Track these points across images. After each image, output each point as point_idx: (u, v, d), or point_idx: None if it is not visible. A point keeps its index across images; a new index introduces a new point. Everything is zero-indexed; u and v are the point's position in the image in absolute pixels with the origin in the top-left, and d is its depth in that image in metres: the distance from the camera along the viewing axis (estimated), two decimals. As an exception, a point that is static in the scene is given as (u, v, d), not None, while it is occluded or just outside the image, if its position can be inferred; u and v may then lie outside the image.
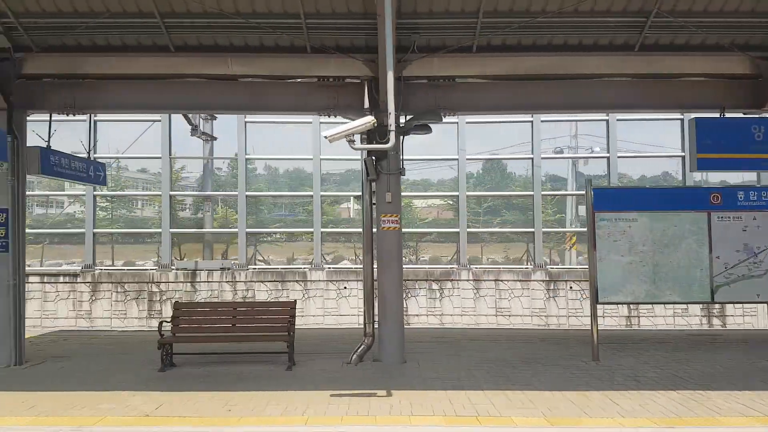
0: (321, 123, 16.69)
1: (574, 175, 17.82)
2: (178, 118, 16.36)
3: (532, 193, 16.73)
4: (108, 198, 17.11)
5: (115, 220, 17.26)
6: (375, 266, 9.48)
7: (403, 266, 16.09)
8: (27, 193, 15.95)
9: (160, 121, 16.57)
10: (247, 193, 16.82)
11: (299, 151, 16.95)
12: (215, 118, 17.19)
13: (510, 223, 17.33)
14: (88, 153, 11.23)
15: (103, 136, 15.95)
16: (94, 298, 16.22)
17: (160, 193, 16.75)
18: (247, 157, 16.96)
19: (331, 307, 16.37)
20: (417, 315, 16.25)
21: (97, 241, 16.72)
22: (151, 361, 8.96)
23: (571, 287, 16.39)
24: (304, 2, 8.01)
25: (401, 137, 9.08)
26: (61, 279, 16.42)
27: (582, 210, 17.40)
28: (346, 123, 7.80)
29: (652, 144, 16.99)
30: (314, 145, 16.60)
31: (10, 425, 6.00)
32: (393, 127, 6.30)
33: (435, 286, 16.46)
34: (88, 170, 10.94)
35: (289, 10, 8.20)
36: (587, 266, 16.23)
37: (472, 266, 16.63)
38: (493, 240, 17.58)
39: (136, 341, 11.45)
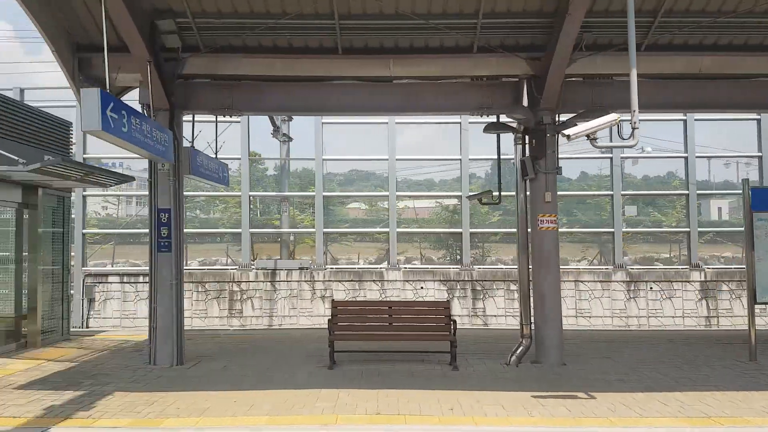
0: (396, 123, 16.78)
1: (621, 176, 17.74)
2: (255, 119, 16.47)
3: (611, 192, 16.67)
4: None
5: (189, 220, 17.31)
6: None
7: (478, 267, 16.26)
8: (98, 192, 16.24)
9: (239, 122, 16.62)
10: (324, 193, 16.86)
11: (373, 152, 16.99)
12: (292, 119, 17.26)
13: (581, 222, 17.28)
14: (215, 153, 11.29)
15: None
16: None
17: (239, 193, 16.79)
18: (324, 158, 16.97)
19: (407, 307, 16.33)
20: (495, 316, 16.22)
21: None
22: (304, 357, 9.17)
23: (651, 288, 16.34)
24: (483, 2, 8.01)
25: (556, 135, 9.06)
26: (141, 279, 16.49)
27: (630, 210, 17.38)
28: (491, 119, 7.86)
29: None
30: (390, 146, 16.65)
31: (251, 425, 6.00)
32: (638, 125, 6.27)
33: (513, 287, 16.40)
34: (218, 171, 11.02)
35: (465, 10, 8.21)
36: (654, 267, 16.32)
37: None
38: (562, 240, 17.49)
39: (256, 339, 11.48)
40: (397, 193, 17.00)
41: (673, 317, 16.21)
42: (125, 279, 16.51)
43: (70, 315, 11.46)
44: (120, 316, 16.36)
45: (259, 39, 8.72)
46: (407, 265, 16.90)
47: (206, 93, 9.30)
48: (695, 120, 16.75)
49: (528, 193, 9.15)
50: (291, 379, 7.94)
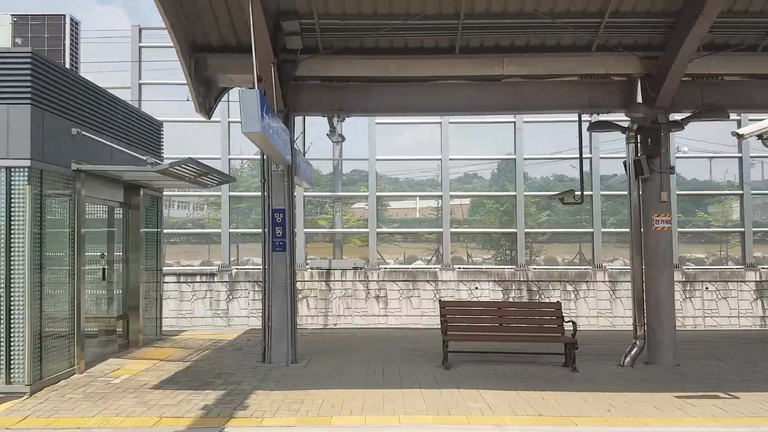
0: (450, 123, 16.76)
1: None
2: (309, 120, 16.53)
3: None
4: (235, 198, 17.11)
5: (232, 220, 17.38)
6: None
7: (534, 267, 16.25)
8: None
9: None
10: (378, 193, 16.89)
11: (425, 152, 16.96)
12: (344, 119, 17.24)
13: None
14: (303, 153, 11.32)
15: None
16: (231, 297, 16.32)
17: (295, 193, 16.72)
18: (377, 158, 16.97)
19: (464, 307, 16.29)
20: (551, 316, 16.17)
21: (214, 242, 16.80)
22: (408, 356, 9.29)
23: (707, 288, 16.25)
24: (611, 2, 8.01)
25: (669, 134, 9.06)
26: (198, 279, 16.54)
27: None
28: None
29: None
30: (444, 146, 16.63)
31: (419, 424, 6.01)
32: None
33: (569, 287, 16.37)
34: (308, 171, 11.08)
35: (589, 9, 8.21)
36: (709, 267, 16.24)
37: (607, 267, 16.55)
38: (611, 241, 17.49)
39: (340, 338, 11.48)
40: (450, 193, 16.96)
41: (729, 317, 16.14)
42: (182, 279, 16.54)
43: (162, 315, 11.51)
44: (177, 315, 16.38)
45: (376, 40, 8.73)
46: (461, 266, 16.88)
47: (316, 94, 9.33)
48: (749, 120, 16.68)
49: (641, 192, 9.13)
50: (417, 378, 7.94)
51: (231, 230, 16.70)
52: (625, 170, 9.53)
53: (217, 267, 16.42)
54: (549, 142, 16.77)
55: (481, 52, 8.87)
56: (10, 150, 7.02)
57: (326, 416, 6.23)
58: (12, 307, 7.00)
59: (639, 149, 9.13)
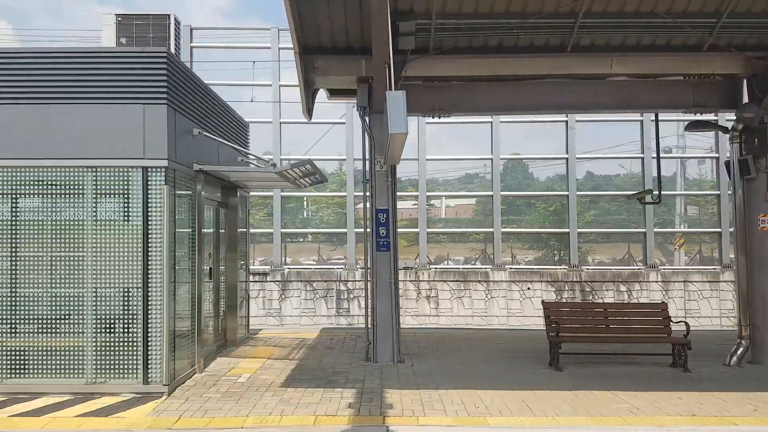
0: (501, 122, 16.74)
1: (682, 175, 17.67)
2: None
3: (718, 192, 16.60)
4: (284, 198, 17.10)
5: (289, 221, 17.42)
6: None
7: (587, 267, 16.21)
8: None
9: (344, 123, 16.67)
10: (428, 193, 16.90)
11: (473, 151, 16.90)
12: None
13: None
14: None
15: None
16: (283, 296, 16.38)
17: (345, 193, 16.81)
18: (427, 158, 16.97)
19: (515, 308, 16.33)
20: (605, 316, 16.14)
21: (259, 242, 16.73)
22: (508, 357, 9.38)
23: None
24: (731, 1, 8.02)
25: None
26: (251, 278, 16.57)
27: (691, 210, 17.31)
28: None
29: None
30: (495, 146, 16.62)
31: (576, 425, 6.03)
32: None
33: (623, 287, 16.37)
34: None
35: (706, 9, 8.21)
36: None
37: (660, 267, 16.56)
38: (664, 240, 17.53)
39: (418, 339, 11.42)
40: (502, 193, 16.92)
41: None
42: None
43: (249, 314, 11.58)
44: (223, 315, 16.46)
45: (486, 39, 8.74)
46: (512, 266, 16.88)
47: (416, 94, 9.29)
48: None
49: (745, 192, 9.11)
50: (535, 379, 7.93)
51: (282, 230, 16.77)
52: (727, 171, 9.53)
53: (269, 266, 16.50)
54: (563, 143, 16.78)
55: (590, 51, 8.87)
56: (146, 150, 7.07)
57: (479, 416, 6.25)
58: (149, 307, 7.05)
59: (743, 149, 9.12)
